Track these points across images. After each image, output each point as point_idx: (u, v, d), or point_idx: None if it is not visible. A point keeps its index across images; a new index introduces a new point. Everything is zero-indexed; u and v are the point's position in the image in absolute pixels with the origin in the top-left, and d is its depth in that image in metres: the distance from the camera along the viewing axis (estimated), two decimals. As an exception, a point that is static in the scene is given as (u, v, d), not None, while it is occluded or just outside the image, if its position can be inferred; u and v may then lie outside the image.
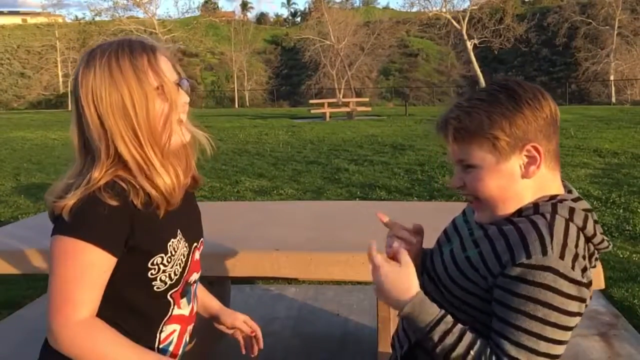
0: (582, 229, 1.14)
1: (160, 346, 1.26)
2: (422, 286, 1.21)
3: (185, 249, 1.25)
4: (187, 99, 1.19)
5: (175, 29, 38.64)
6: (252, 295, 3.78)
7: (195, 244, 1.32)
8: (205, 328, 1.66)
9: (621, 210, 6.04)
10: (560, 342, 1.08)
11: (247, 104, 42.11)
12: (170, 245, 1.20)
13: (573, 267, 1.07)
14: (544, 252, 1.07)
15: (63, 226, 1.10)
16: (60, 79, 45.92)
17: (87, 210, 1.09)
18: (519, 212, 1.17)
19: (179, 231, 1.24)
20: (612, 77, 32.65)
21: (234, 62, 44.10)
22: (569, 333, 1.09)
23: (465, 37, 29.72)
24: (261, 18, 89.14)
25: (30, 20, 59.15)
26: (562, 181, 1.24)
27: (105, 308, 1.15)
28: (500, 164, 1.15)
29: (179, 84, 1.18)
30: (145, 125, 1.12)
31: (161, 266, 1.18)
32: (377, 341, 2.47)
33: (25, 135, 16.69)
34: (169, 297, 1.24)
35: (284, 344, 3.07)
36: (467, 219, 1.34)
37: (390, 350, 1.44)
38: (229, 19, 57.50)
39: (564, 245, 1.08)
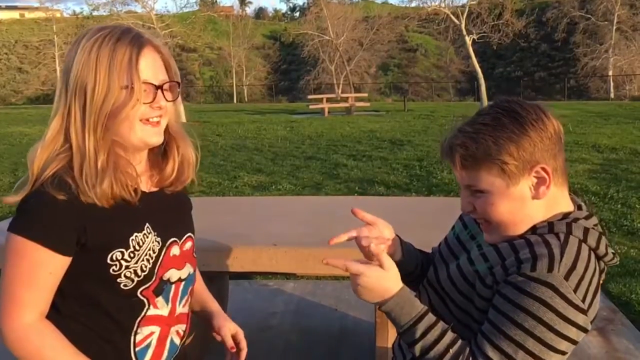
0: (594, 249, 1.14)
1: (137, 349, 1.19)
2: (426, 302, 1.21)
3: (155, 243, 1.18)
4: (163, 102, 1.15)
5: (173, 24, 38.44)
6: (251, 290, 3.77)
7: (173, 239, 1.24)
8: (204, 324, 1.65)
9: (619, 206, 6.05)
10: (539, 359, 1.07)
11: (246, 100, 41.99)
12: (132, 240, 1.14)
13: (575, 291, 1.07)
14: (550, 269, 1.07)
15: (15, 223, 1.10)
16: (58, 74, 45.69)
17: (35, 207, 1.08)
18: (533, 230, 1.17)
19: (147, 225, 1.18)
20: (610, 73, 32.62)
21: (233, 57, 43.89)
22: (553, 354, 1.07)
23: (464, 32, 29.61)
24: (260, 13, 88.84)
25: (28, 15, 58.88)
26: (570, 195, 1.24)
27: (71, 306, 1.13)
28: (510, 188, 1.15)
29: (159, 87, 1.13)
30: (95, 113, 1.09)
31: (123, 262, 1.12)
32: (374, 336, 2.48)
33: (23, 130, 16.67)
34: (139, 295, 1.16)
35: (282, 338, 3.08)
36: (471, 232, 1.34)
37: (388, 346, 1.44)
38: (227, 14, 57.26)
39: (572, 268, 1.08)
